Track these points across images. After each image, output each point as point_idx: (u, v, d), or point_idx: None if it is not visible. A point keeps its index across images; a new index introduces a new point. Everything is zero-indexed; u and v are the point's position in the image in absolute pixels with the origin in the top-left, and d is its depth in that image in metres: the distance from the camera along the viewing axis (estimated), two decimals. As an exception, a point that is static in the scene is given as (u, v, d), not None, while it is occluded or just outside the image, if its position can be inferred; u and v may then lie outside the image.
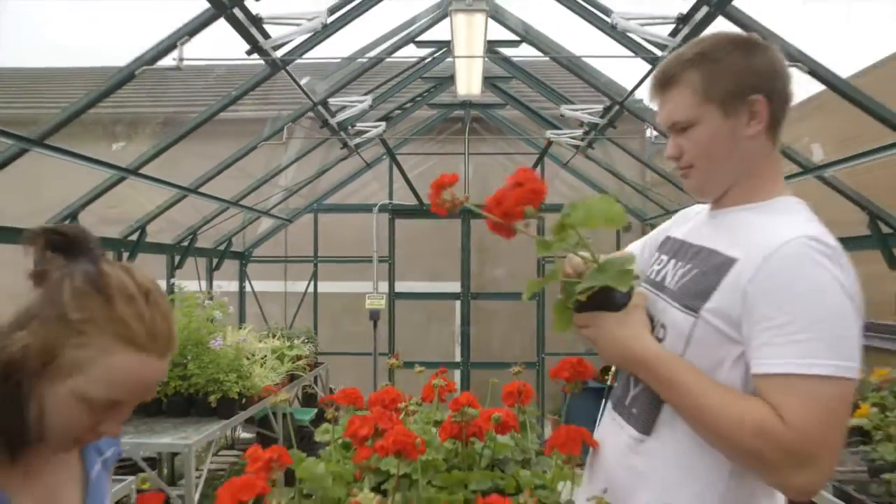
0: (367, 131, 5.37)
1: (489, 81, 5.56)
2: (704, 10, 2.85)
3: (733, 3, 2.72)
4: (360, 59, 4.32)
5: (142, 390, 0.94)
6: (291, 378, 4.99)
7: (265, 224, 6.64)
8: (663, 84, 1.23)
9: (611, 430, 1.35)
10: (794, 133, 4.78)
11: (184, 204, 4.60)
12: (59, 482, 1.02)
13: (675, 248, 1.32)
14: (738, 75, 1.17)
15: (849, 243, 3.43)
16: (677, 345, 1.18)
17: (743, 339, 1.10)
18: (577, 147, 5.74)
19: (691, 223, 1.36)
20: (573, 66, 4.38)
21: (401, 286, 6.73)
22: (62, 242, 0.93)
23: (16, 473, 0.94)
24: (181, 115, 5.88)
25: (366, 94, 4.79)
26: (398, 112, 6.16)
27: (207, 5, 2.73)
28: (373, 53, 4.34)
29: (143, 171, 3.67)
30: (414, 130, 6.87)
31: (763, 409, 1.05)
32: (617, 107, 4.43)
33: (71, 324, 0.88)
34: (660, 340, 1.21)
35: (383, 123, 5.47)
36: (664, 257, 1.34)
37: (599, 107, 4.71)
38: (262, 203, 5.82)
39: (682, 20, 3.11)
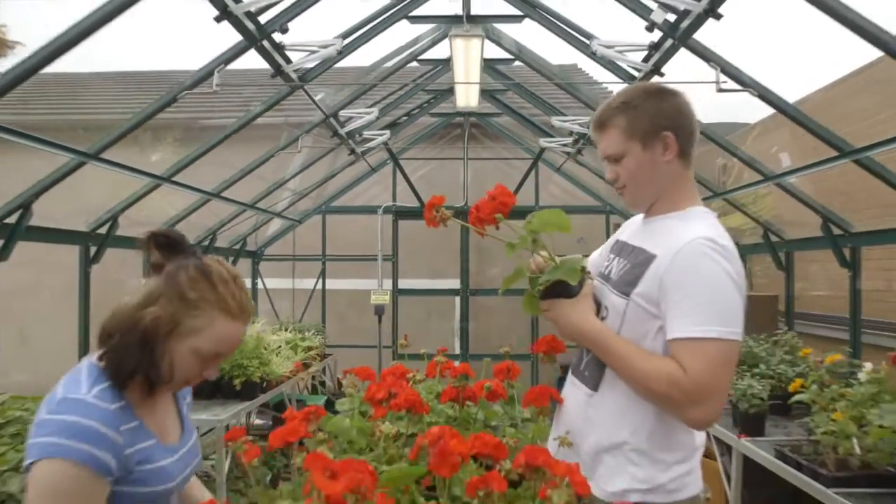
0: (372, 139, 5.79)
1: (486, 93, 5.97)
2: (670, 41, 3.27)
3: (693, 36, 3.13)
4: (368, 73, 4.74)
5: (234, 346, 1.38)
6: (304, 366, 5.42)
7: (276, 225, 7.05)
8: (598, 127, 1.66)
9: (570, 390, 1.78)
10: (762, 145, 5.22)
11: (202, 207, 5.01)
12: (167, 412, 1.46)
13: (619, 249, 1.74)
14: (652, 118, 1.59)
15: (805, 244, 3.84)
16: (615, 322, 1.60)
17: (661, 316, 1.53)
18: (568, 154, 6.16)
19: (631, 228, 1.78)
20: (561, 83, 4.79)
21: (404, 283, 7.16)
22: (166, 243, 1.37)
23: (146, 405, 1.37)
24: (194, 120, 6.27)
25: (372, 105, 5.21)
26: (402, 118, 6.56)
27: (240, 37, 3.14)
28: (379, 67, 4.76)
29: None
30: (416, 137, 7.28)
31: (672, 365, 1.48)
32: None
33: (188, 301, 1.32)
34: (603, 319, 1.63)
35: (388, 132, 5.90)
36: (611, 256, 1.76)
37: (586, 118, 5.12)
38: (273, 205, 6.25)
39: (654, 47, 3.51)
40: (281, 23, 3.24)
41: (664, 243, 1.55)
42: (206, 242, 5.59)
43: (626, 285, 1.59)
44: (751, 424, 3.24)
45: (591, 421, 1.67)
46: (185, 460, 1.44)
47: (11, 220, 3.14)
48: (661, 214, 1.66)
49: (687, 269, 1.48)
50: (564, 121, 5.14)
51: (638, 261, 1.60)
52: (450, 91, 5.71)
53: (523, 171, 6.92)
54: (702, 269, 1.48)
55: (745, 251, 5.69)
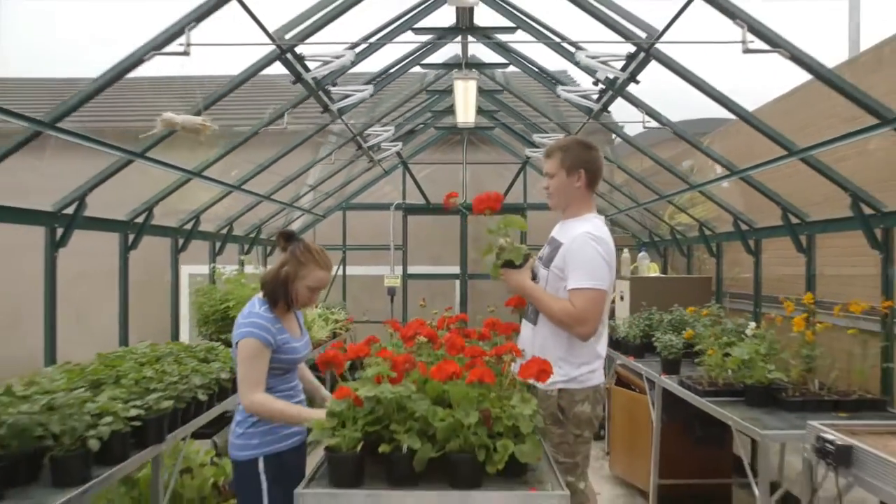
0: (388, 150, 7.05)
1: (482, 113, 7.21)
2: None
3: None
4: (379, 89, 5.95)
5: (325, 285, 2.69)
6: (333, 335, 6.71)
7: (308, 219, 8.31)
8: (546, 155, 2.96)
9: (523, 325, 3.06)
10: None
11: (229, 200, 6.07)
12: (293, 321, 2.78)
13: (549, 241, 3.02)
14: (575, 160, 2.87)
15: (724, 237, 4.78)
16: (543, 283, 2.89)
17: (566, 278, 2.80)
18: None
19: (557, 227, 3.06)
20: (542, 108, 6.04)
21: (412, 269, 8.44)
22: (287, 234, 2.68)
23: (284, 317, 2.69)
24: (227, 127, 7.44)
25: (388, 124, 6.46)
26: (413, 130, 7.79)
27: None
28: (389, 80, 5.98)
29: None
30: (423, 145, 8.53)
31: (567, 303, 2.76)
32: (587, 119, 6.06)
33: (301, 262, 2.64)
34: (536, 282, 2.92)
35: (400, 143, 7.16)
36: (546, 246, 3.04)
37: (561, 134, 6.37)
38: (299, 202, 7.50)
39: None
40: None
41: (568, 236, 2.84)
42: (253, 234, 6.86)
43: (548, 261, 2.88)
44: (669, 366, 4.53)
45: (534, 343, 2.95)
46: (304, 348, 2.75)
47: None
48: (570, 219, 2.94)
49: (575, 250, 2.76)
50: (544, 137, 6.39)
51: (554, 246, 2.89)
52: (451, 110, 6.95)
53: (514, 172, 8.17)
54: (583, 250, 2.75)
55: (688, 242, 6.99)
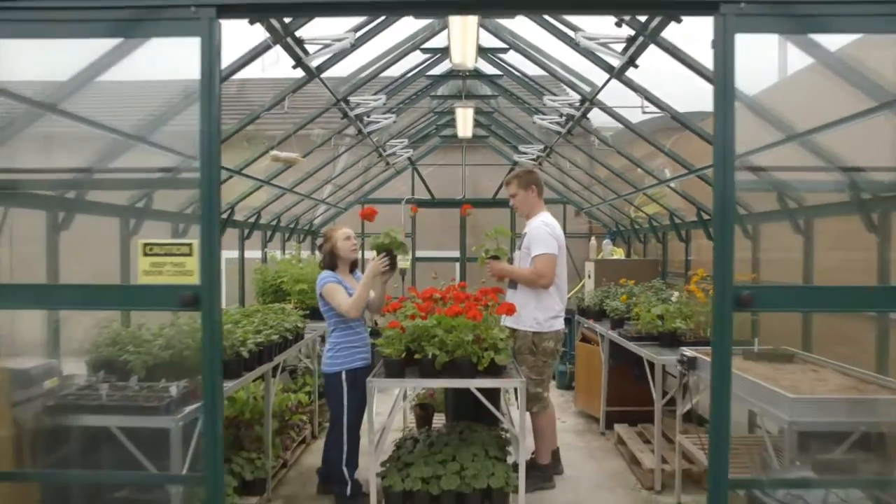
0: (401, 156, 8.63)
1: (479, 125, 8.77)
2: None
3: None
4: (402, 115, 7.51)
5: (351, 233, 4.44)
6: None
7: (330, 211, 9.89)
8: (506, 183, 4.76)
9: (509, 291, 4.75)
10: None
11: (261, 194, 7.66)
12: (351, 279, 4.45)
13: (522, 236, 4.68)
14: (528, 181, 4.66)
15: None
16: (517, 262, 4.55)
17: (530, 253, 4.47)
18: (536, 160, 8.99)
19: (526, 226, 4.71)
20: (525, 126, 7.61)
21: (420, 253, 10.04)
22: (316, 236, 4.32)
23: (344, 276, 4.35)
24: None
25: (403, 138, 8.03)
26: (422, 136, 9.35)
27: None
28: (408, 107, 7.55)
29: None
30: (429, 150, 10.10)
31: (532, 270, 4.45)
32: (558, 136, 7.64)
33: (328, 237, 4.42)
34: (511, 263, 4.57)
35: (411, 150, 8.73)
36: (519, 240, 4.70)
37: (541, 145, 7.94)
38: (324, 196, 9.07)
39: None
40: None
41: (529, 227, 4.57)
42: (283, 223, 8.45)
43: (520, 246, 4.57)
44: (615, 324, 6.14)
45: (515, 300, 4.58)
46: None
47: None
48: (529, 219, 4.64)
49: (533, 233, 4.53)
50: (527, 147, 7.97)
51: (523, 236, 4.57)
52: (453, 124, 8.51)
53: (504, 172, 9.73)
54: (538, 231, 4.49)
55: (649, 231, 8.59)
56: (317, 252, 5.67)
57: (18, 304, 2.32)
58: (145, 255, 2.08)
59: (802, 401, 3.05)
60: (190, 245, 2.12)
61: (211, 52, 2.10)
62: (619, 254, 8.64)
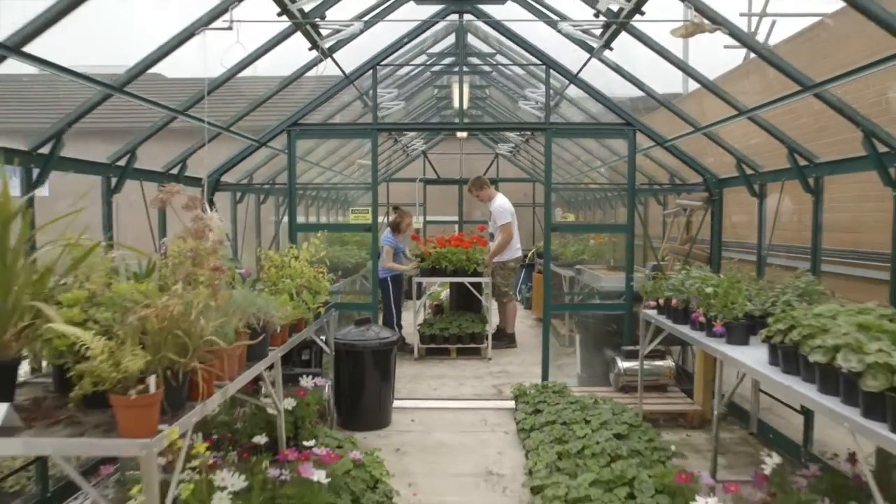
0: (416, 148, 12.29)
1: (471, 132, 12.36)
2: (614, 26, 4.54)
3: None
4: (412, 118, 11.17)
5: (411, 216, 8.29)
6: (389, 254, 12.04)
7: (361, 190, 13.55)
8: (468, 190, 8.82)
9: (490, 243, 8.58)
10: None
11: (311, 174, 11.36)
12: (400, 237, 8.29)
13: (490, 214, 8.54)
14: (481, 183, 8.73)
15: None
16: (490, 229, 8.46)
17: (497, 224, 8.33)
18: (512, 150, 12.66)
19: (490, 206, 8.59)
20: (506, 122, 11.26)
21: (430, 218, 13.80)
22: (395, 206, 8.22)
23: (398, 237, 8.25)
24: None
25: (413, 131, 11.65)
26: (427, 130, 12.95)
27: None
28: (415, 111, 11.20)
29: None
30: (435, 142, 13.74)
31: (501, 236, 8.32)
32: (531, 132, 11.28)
33: (405, 217, 8.16)
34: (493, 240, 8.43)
35: (422, 141, 12.39)
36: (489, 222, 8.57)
37: (522, 139, 11.55)
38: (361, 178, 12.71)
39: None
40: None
41: (492, 208, 8.60)
42: (330, 196, 12.13)
43: (491, 226, 8.43)
44: (538, 255, 9.91)
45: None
46: (404, 247, 8.23)
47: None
48: (491, 202, 8.60)
49: (496, 211, 8.49)
50: (507, 144, 11.60)
51: (490, 216, 8.43)
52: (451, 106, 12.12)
53: (491, 158, 13.44)
54: (498, 209, 8.41)
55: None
56: (387, 216, 9.59)
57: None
58: (353, 213, 5.88)
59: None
60: (368, 209, 5.92)
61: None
62: (570, 218, 12.42)
